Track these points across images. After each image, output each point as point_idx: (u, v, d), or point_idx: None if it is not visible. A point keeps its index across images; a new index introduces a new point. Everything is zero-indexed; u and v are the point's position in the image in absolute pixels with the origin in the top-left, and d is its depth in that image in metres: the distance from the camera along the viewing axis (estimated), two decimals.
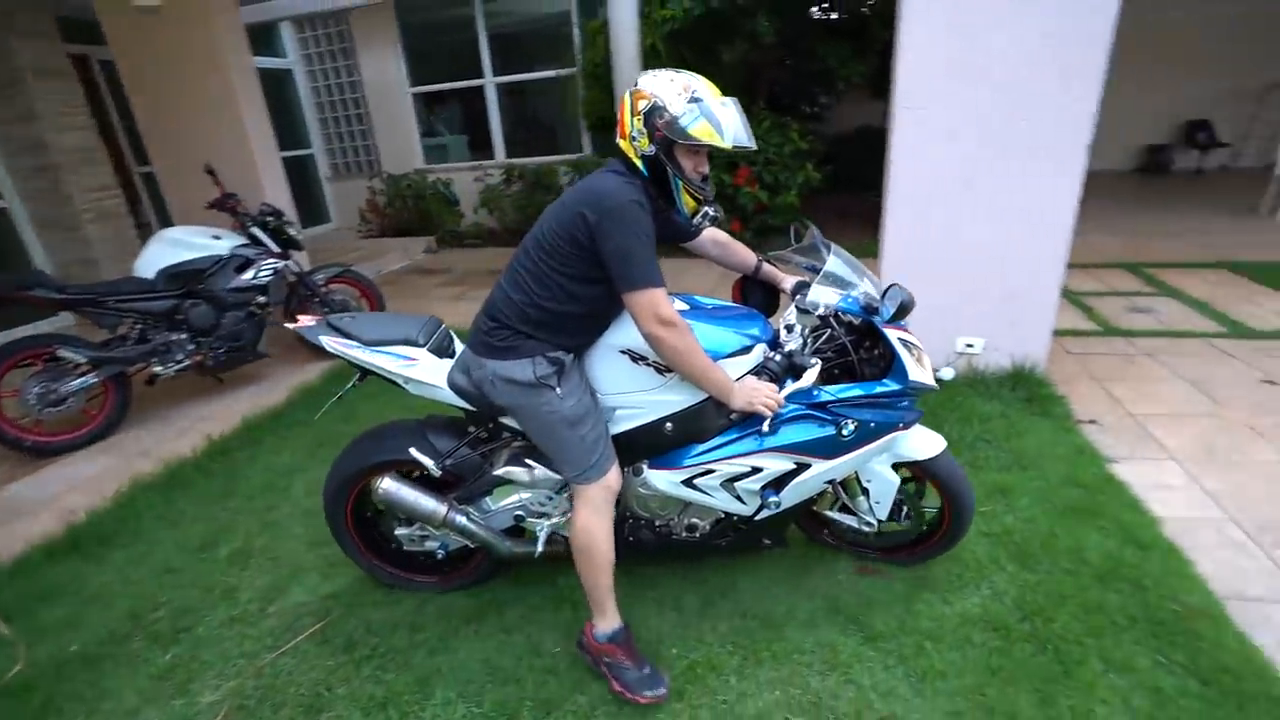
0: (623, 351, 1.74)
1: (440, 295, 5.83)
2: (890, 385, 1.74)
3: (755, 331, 1.77)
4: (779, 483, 1.78)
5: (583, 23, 7.14)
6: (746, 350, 1.73)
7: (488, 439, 1.94)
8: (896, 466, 1.93)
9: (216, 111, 4.90)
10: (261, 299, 3.92)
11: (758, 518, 1.87)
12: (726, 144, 1.51)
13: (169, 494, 2.94)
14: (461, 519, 1.93)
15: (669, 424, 1.77)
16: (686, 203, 1.62)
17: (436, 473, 1.89)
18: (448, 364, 1.89)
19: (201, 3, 4.67)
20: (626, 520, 1.96)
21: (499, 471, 1.91)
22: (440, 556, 2.12)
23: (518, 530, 2.04)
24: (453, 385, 1.82)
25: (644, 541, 1.98)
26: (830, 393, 1.73)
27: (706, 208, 1.66)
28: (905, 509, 2.04)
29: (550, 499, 1.96)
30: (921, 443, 1.90)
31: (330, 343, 1.90)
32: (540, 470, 1.87)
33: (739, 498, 1.82)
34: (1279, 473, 2.54)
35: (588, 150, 7.65)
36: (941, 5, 2.73)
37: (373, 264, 6.90)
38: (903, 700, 1.71)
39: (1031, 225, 2.99)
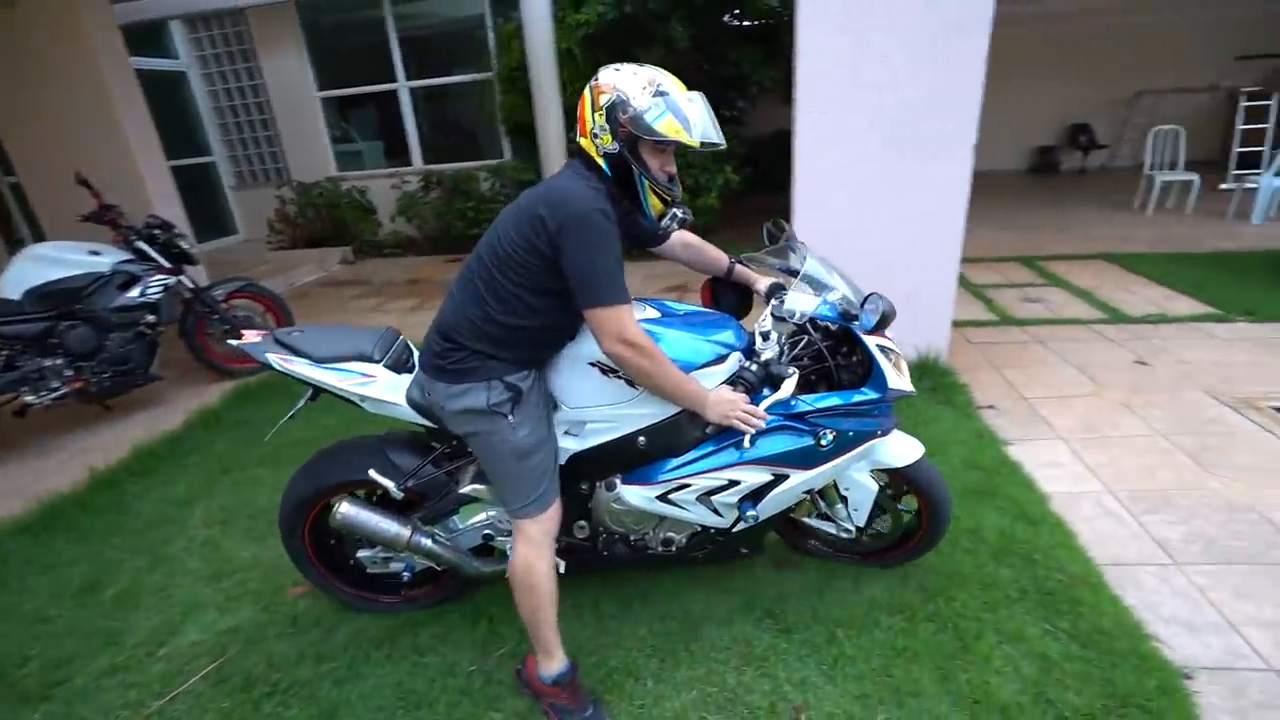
0: (592, 364, 1.64)
1: (357, 308, 5.60)
2: (869, 394, 1.69)
3: (729, 339, 1.71)
4: (756, 495, 1.73)
5: (497, 26, 7.04)
6: (721, 360, 1.67)
7: (451, 455, 1.85)
8: (874, 472, 1.91)
9: (88, 116, 4.53)
10: (151, 318, 3.65)
11: (735, 529, 1.83)
12: (694, 140, 1.43)
13: (44, 535, 2.68)
14: (426, 541, 1.83)
15: (642, 438, 1.70)
16: (653, 204, 1.54)
17: (398, 495, 1.80)
18: (406, 379, 1.79)
19: None
20: (600, 534, 1.89)
21: (465, 490, 1.83)
22: (406, 578, 2.01)
23: (487, 549, 1.96)
24: (411, 402, 1.73)
25: (618, 556, 1.92)
26: (808, 402, 1.68)
27: (674, 209, 1.59)
28: (884, 514, 2.01)
29: None
30: (899, 449, 1.87)
31: (278, 360, 1.76)
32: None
33: (716, 511, 1.76)
34: (1148, 446, 2.78)
35: (508, 156, 7.54)
36: (832, 12, 2.85)
37: (284, 277, 6.56)
38: (815, 688, 1.75)
39: (927, 223, 3.16)
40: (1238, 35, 9.57)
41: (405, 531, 1.81)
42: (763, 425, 1.59)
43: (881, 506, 1.98)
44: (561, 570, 1.79)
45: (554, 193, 1.46)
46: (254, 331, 1.87)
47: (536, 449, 1.59)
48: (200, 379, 4.16)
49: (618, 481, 1.78)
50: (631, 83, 1.44)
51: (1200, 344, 3.75)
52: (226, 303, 4.02)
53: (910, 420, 3.01)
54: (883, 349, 1.71)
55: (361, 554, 1.99)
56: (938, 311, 3.38)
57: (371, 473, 1.78)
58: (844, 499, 1.94)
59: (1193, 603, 1.96)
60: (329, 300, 5.99)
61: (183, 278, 3.78)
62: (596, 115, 1.46)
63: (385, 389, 1.76)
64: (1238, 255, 5.39)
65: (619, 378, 1.63)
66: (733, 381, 1.64)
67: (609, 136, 1.46)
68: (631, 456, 1.73)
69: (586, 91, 1.50)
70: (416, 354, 1.89)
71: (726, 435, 1.68)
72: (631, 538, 1.90)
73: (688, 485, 1.71)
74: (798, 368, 1.67)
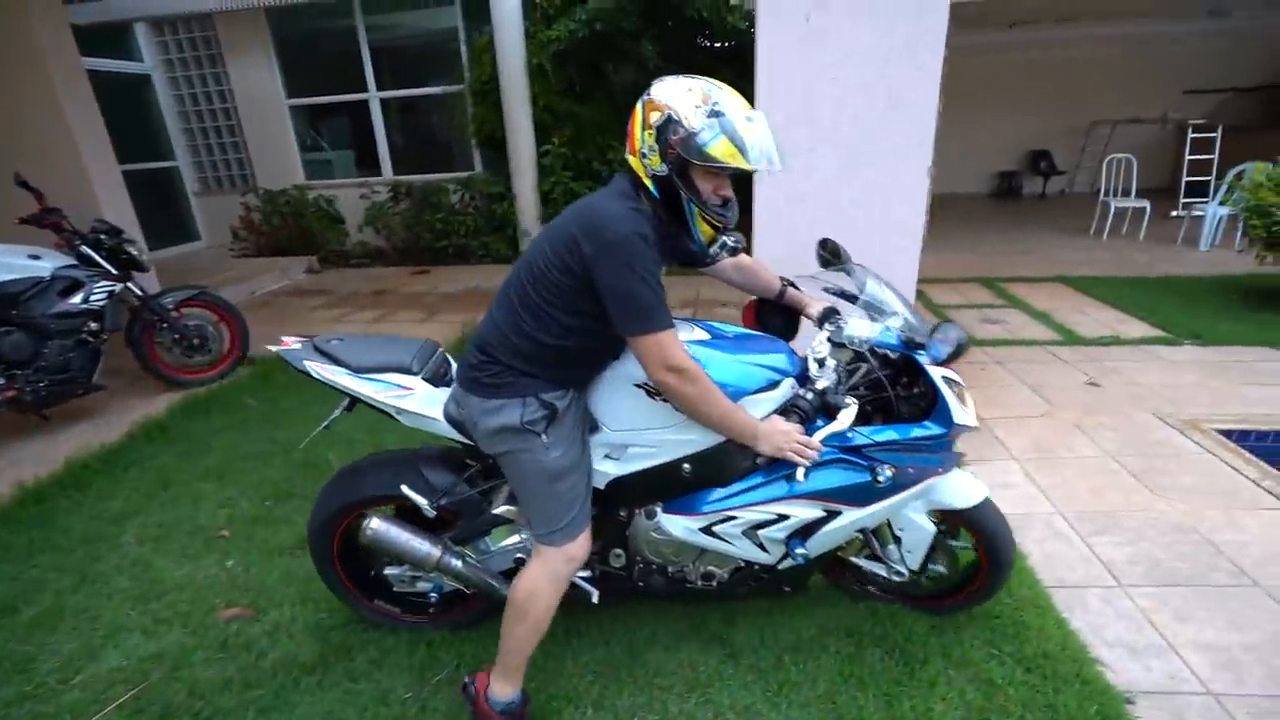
0: (638, 385, 1.56)
1: (318, 319, 5.48)
2: (932, 428, 1.59)
3: (782, 364, 1.61)
4: (806, 531, 1.63)
5: (470, 39, 7.03)
6: (773, 386, 1.58)
7: (486, 474, 1.78)
8: (931, 514, 1.79)
9: (34, 117, 4.38)
10: (95, 325, 3.51)
11: (780, 566, 1.74)
12: (751, 166, 1.33)
13: None
14: (457, 563, 1.75)
15: (687, 465, 1.61)
16: (703, 230, 1.43)
17: (431, 513, 1.73)
18: (444, 393, 1.73)
19: None
20: (636, 564, 1.80)
21: (498, 510, 1.76)
22: (434, 599, 1.94)
23: (517, 573, 1.87)
24: (448, 417, 1.67)
25: (654, 588, 1.83)
26: (866, 435, 1.59)
27: (725, 237, 1.49)
28: (939, 557, 1.88)
29: None
30: (961, 489, 1.75)
31: (316, 368, 1.72)
32: None
33: (762, 546, 1.67)
34: (1098, 467, 2.82)
35: (479, 168, 7.50)
36: (789, 34, 2.88)
37: (246, 285, 6.40)
38: (759, 715, 1.72)
39: (884, 244, 3.18)
40: (1186, 70, 10.02)
41: (436, 551, 1.73)
42: (817, 458, 1.50)
43: (937, 549, 1.85)
44: (594, 600, 1.73)
45: (591, 215, 1.39)
46: (292, 337, 1.82)
47: (568, 472, 1.52)
48: (148, 389, 4.01)
49: (658, 510, 1.69)
50: (685, 100, 1.33)
51: (1150, 366, 3.85)
52: (177, 311, 3.90)
53: None
54: (947, 380, 1.60)
55: (389, 571, 1.93)
56: None
57: (404, 488, 1.72)
58: (897, 539, 1.82)
59: (1136, 625, 1.98)
60: (290, 309, 5.85)
61: (130, 284, 3.65)
62: (646, 134, 1.37)
63: (422, 402, 1.71)
64: (1186, 280, 5.57)
65: (665, 401, 1.54)
66: (785, 410, 1.55)
67: (658, 158, 1.36)
68: (674, 484, 1.65)
69: (638, 106, 1.40)
70: (455, 368, 1.83)
71: (777, 466, 1.58)
72: (670, 569, 1.80)
73: (733, 518, 1.62)
74: (855, 397, 1.57)
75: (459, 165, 7.73)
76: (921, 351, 1.61)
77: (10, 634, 2.12)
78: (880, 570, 1.90)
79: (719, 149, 1.32)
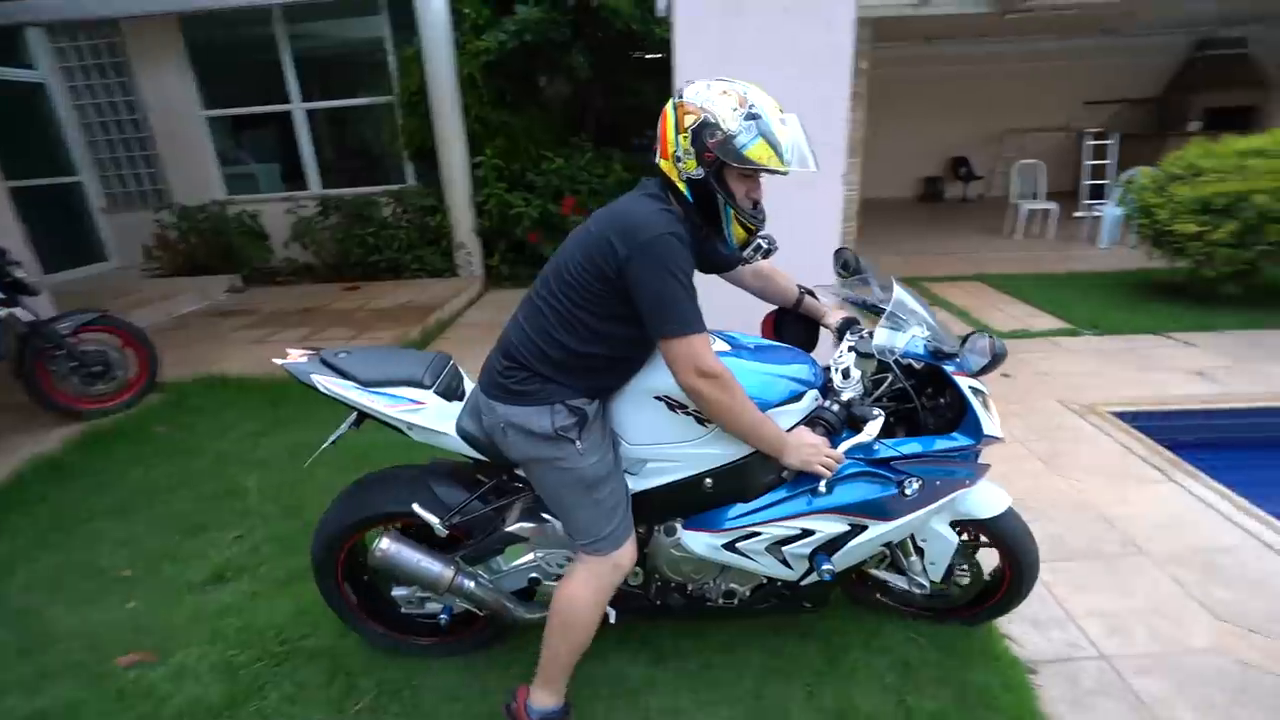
0: (659, 398, 1.52)
1: (239, 339, 5.22)
2: (961, 440, 1.57)
3: (805, 375, 1.58)
4: (831, 546, 1.60)
5: (398, 50, 6.89)
6: (796, 398, 1.54)
7: (498, 490, 1.72)
8: (954, 524, 1.77)
9: None
10: None
11: (804, 582, 1.70)
12: (787, 168, 1.34)
13: None
14: (469, 583, 1.69)
15: (709, 480, 1.57)
16: (736, 233, 1.43)
17: (443, 532, 1.66)
18: (456, 407, 1.67)
19: None
20: (655, 583, 1.76)
21: (512, 528, 1.70)
22: (443, 621, 1.85)
23: (529, 592, 1.82)
24: (461, 432, 1.61)
25: (673, 606, 1.78)
26: (892, 447, 1.57)
27: (758, 239, 1.48)
28: (963, 567, 1.87)
29: (570, 559, 1.72)
30: (985, 499, 1.73)
31: (324, 382, 1.65)
32: (558, 526, 1.65)
33: (786, 562, 1.63)
34: (1008, 453, 2.96)
35: (411, 181, 7.34)
36: (704, 49, 2.96)
37: (161, 307, 6.04)
38: (687, 715, 1.73)
39: (802, 248, 3.28)
40: (1085, 83, 10.81)
41: (448, 572, 1.67)
42: (839, 465, 1.49)
43: (960, 559, 1.84)
44: (612, 620, 1.68)
45: (625, 217, 1.38)
46: (298, 350, 1.74)
47: (606, 480, 1.49)
48: (42, 423, 3.72)
49: (679, 526, 1.65)
50: (721, 103, 1.34)
51: (1055, 356, 4.10)
52: (75, 337, 3.64)
53: None
54: (974, 390, 1.58)
55: (397, 592, 1.85)
56: None
57: (415, 506, 1.64)
58: (920, 551, 1.79)
59: (1040, 599, 2.08)
60: (210, 331, 5.56)
61: (16, 310, 3.39)
62: (681, 138, 1.35)
63: (434, 417, 1.65)
64: (1088, 275, 5.98)
65: (688, 414, 1.51)
66: (811, 422, 1.52)
67: (694, 161, 1.35)
68: (696, 499, 1.61)
69: (669, 109, 1.39)
70: (468, 381, 1.80)
71: (801, 480, 1.55)
72: (689, 587, 1.76)
73: (757, 534, 1.58)
74: (880, 409, 1.54)
75: (390, 178, 7.55)
76: (950, 362, 1.59)
77: None
78: (902, 583, 1.88)
79: (757, 151, 1.32)
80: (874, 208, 10.18)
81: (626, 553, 1.52)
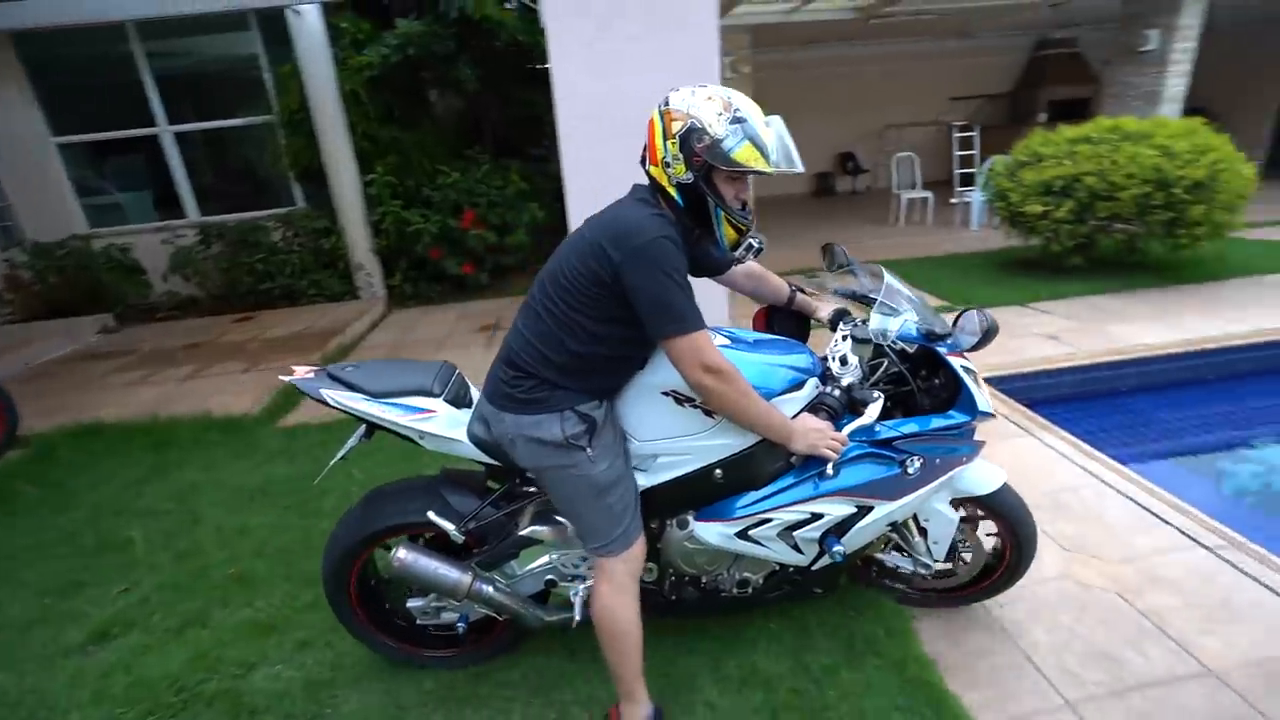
0: (665, 393, 1.54)
1: (114, 383, 4.82)
2: (958, 417, 1.62)
3: (805, 364, 1.62)
4: (840, 528, 1.64)
5: (274, 67, 6.59)
6: (798, 386, 1.58)
7: (510, 495, 1.72)
8: (954, 502, 1.82)
9: None
10: None
11: (814, 567, 1.74)
12: (771, 168, 1.38)
13: None
14: (488, 589, 1.69)
15: (719, 471, 1.60)
16: (727, 233, 1.46)
17: (459, 539, 1.65)
18: (466, 414, 1.67)
19: None
20: (668, 578, 1.77)
21: (525, 531, 1.70)
22: (461, 629, 1.83)
23: (545, 594, 1.83)
24: (473, 438, 1.61)
25: (688, 600, 1.79)
26: (893, 428, 1.61)
27: (749, 239, 1.51)
28: (965, 545, 1.92)
29: (585, 559, 1.74)
30: (981, 475, 1.79)
31: (333, 396, 1.63)
32: (572, 527, 1.64)
33: (797, 547, 1.66)
34: None
35: (300, 203, 7.02)
36: (579, 56, 3.04)
37: (17, 355, 5.49)
38: (601, 702, 1.79)
39: None
40: (950, 81, 11.79)
41: (466, 578, 1.67)
42: (844, 448, 1.53)
43: (962, 536, 1.90)
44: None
45: (617, 223, 1.40)
46: (304, 367, 1.72)
47: (616, 484, 1.51)
48: None
49: (691, 519, 1.67)
50: (707, 109, 1.37)
51: None
52: None
53: None
54: (966, 369, 1.65)
55: (412, 603, 1.83)
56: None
57: (431, 515, 1.64)
58: (923, 531, 1.85)
59: None
60: (79, 376, 5.09)
61: None
62: (669, 143, 1.39)
63: (446, 424, 1.65)
64: (962, 256, 6.54)
65: (695, 407, 1.54)
66: (813, 408, 1.57)
67: (682, 166, 1.39)
68: (706, 491, 1.64)
69: (655, 117, 1.42)
70: (474, 388, 1.80)
71: (808, 465, 1.60)
72: (703, 580, 1.79)
73: (769, 520, 1.61)
74: (879, 391, 1.61)
75: (278, 201, 7.19)
76: (942, 343, 1.66)
77: None
78: (907, 565, 1.94)
79: (744, 153, 1.36)
80: (770, 204, 10.69)
81: (637, 550, 1.56)
